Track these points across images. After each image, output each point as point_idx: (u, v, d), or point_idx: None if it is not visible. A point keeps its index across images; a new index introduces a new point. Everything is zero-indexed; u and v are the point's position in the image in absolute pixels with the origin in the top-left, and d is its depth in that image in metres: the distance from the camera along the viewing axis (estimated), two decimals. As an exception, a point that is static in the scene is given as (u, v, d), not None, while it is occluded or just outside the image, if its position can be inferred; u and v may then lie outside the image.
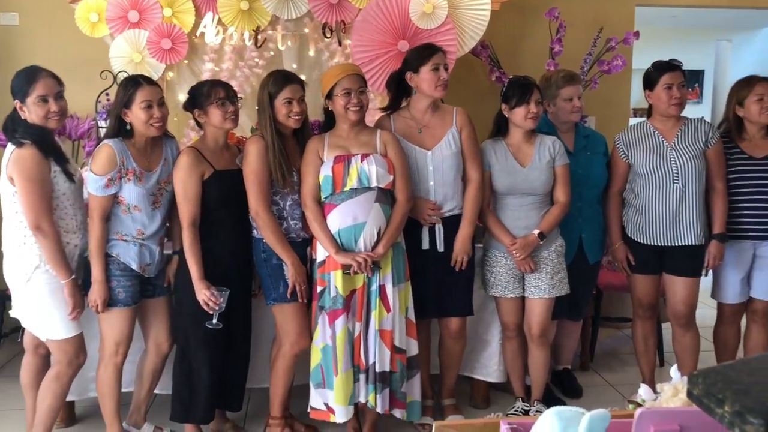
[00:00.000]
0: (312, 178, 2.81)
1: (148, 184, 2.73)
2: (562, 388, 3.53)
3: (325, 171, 2.79)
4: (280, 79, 2.83)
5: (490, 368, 3.29)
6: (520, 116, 2.97)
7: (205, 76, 3.80)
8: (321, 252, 2.81)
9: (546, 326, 3.10)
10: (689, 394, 0.81)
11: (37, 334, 2.73)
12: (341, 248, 2.76)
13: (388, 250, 2.79)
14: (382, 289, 2.78)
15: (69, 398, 3.09)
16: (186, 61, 3.87)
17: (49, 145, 2.64)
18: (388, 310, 2.79)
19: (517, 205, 3.02)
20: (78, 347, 2.74)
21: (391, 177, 2.81)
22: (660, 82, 3.07)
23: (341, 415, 2.81)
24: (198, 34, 3.80)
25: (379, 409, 2.82)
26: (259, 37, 3.82)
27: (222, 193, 2.78)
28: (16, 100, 2.63)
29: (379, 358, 2.79)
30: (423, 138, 2.96)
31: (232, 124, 2.81)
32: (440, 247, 2.96)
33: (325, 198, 2.80)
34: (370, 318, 2.80)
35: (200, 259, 2.72)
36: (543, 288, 3.03)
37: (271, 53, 3.90)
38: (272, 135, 2.78)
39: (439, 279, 2.98)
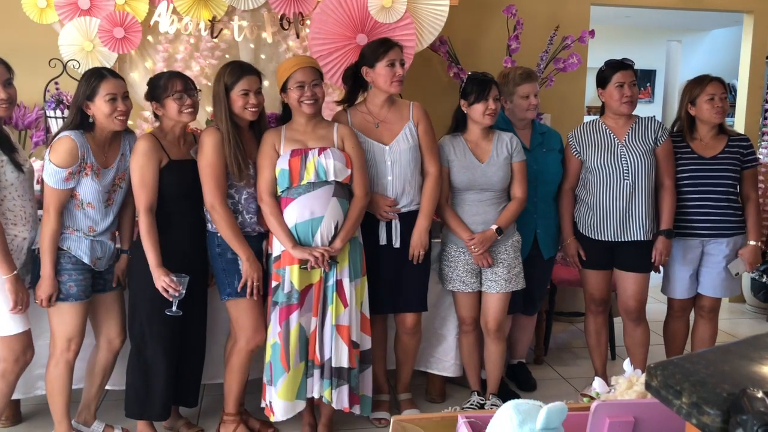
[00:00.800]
0: (268, 171, 2.77)
1: (105, 180, 2.66)
2: (516, 382, 3.57)
3: (282, 165, 2.75)
4: (237, 70, 2.78)
5: (446, 363, 3.31)
6: (478, 112, 2.99)
7: (159, 66, 3.72)
8: (277, 246, 2.78)
9: (502, 321, 3.13)
10: (647, 386, 0.82)
11: None
12: (298, 243, 2.74)
13: (345, 244, 2.78)
14: (339, 284, 2.77)
15: (15, 396, 2.99)
16: (139, 51, 3.77)
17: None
18: (345, 305, 2.78)
19: (475, 200, 3.04)
20: (25, 344, 2.66)
21: (349, 171, 2.79)
22: (612, 81, 3.13)
23: (281, 412, 2.78)
24: (152, 23, 3.71)
25: (336, 405, 2.81)
26: (214, 27, 3.75)
27: (177, 183, 2.72)
28: None
29: (335, 353, 2.78)
30: (380, 133, 2.95)
31: (189, 118, 2.75)
32: (396, 243, 2.96)
33: (282, 192, 2.77)
34: (327, 313, 2.78)
35: (158, 246, 2.66)
36: (500, 283, 3.06)
37: (227, 44, 3.83)
38: (228, 127, 2.73)
39: (394, 274, 2.98)
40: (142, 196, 2.66)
